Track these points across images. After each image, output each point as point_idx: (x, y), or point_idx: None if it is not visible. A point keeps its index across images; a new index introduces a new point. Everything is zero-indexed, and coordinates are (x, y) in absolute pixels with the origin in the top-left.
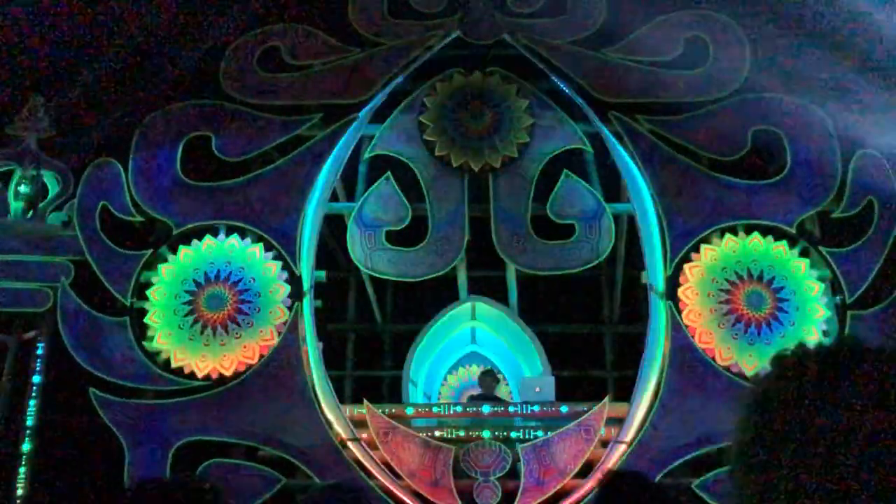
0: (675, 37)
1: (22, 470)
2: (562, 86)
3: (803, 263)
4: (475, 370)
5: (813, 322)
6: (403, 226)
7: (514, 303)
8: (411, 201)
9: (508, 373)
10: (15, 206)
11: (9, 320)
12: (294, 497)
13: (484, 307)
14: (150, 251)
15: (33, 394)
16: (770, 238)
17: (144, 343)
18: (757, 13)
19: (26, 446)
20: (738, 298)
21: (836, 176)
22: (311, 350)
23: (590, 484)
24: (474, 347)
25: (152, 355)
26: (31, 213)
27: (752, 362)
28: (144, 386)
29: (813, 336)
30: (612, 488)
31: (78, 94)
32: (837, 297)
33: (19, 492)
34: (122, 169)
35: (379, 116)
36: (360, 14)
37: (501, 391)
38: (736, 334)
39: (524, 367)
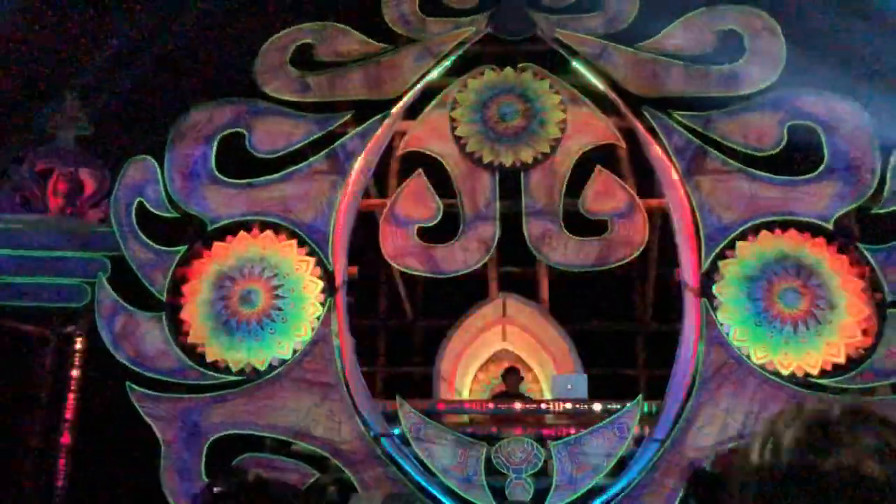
0: (709, 31)
1: (61, 463)
2: (594, 81)
3: (841, 260)
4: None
5: (852, 320)
6: (435, 222)
7: (545, 300)
8: (443, 198)
9: (540, 370)
10: (53, 203)
11: (48, 315)
12: (326, 491)
13: (515, 304)
14: (185, 247)
15: (72, 387)
16: (807, 234)
17: (180, 338)
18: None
19: (65, 439)
20: (773, 296)
21: (875, 171)
22: (344, 345)
23: (623, 482)
24: (505, 345)
25: (187, 350)
26: (69, 209)
27: (788, 361)
28: (180, 380)
29: (851, 335)
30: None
31: (115, 92)
32: (877, 295)
33: (59, 484)
34: (157, 166)
35: (411, 113)
36: (392, 11)
37: (531, 388)
38: (772, 332)
39: (555, 364)
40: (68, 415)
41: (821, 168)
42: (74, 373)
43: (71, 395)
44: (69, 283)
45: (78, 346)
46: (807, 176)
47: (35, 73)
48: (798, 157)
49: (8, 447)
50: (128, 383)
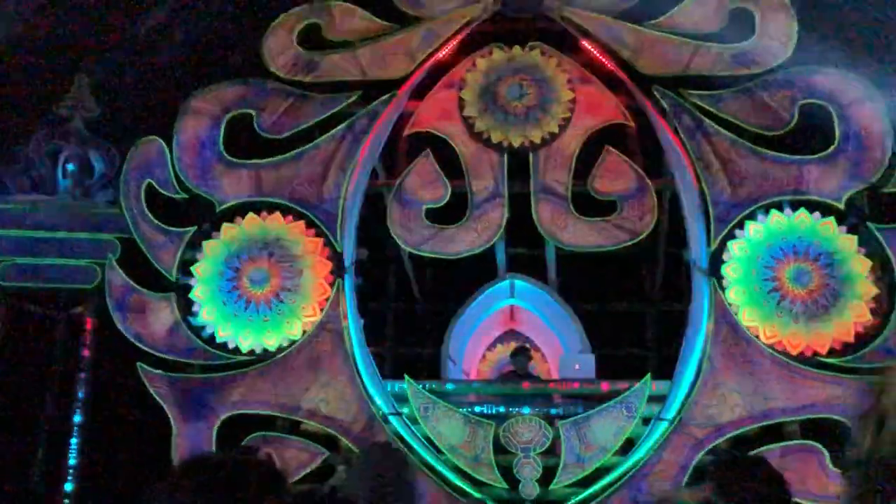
0: (720, 9)
1: (74, 441)
2: (604, 60)
3: (851, 240)
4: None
5: (861, 300)
6: (443, 203)
7: (553, 280)
8: (451, 178)
9: (548, 350)
10: (63, 184)
11: (57, 296)
12: (335, 470)
13: (523, 285)
14: (194, 228)
15: (82, 367)
16: (817, 214)
17: (189, 318)
18: None
19: (77, 418)
20: (783, 275)
21: (886, 150)
22: (353, 326)
23: (631, 461)
24: (513, 325)
25: (197, 330)
26: (78, 191)
27: (797, 340)
28: (190, 360)
29: (861, 314)
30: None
31: (123, 74)
32: (887, 275)
33: (72, 462)
34: (166, 147)
35: (419, 93)
36: None
37: (539, 368)
38: (781, 312)
39: (563, 344)
40: (80, 394)
41: (832, 147)
42: (85, 353)
43: (82, 375)
44: (79, 265)
45: (88, 326)
46: (818, 155)
47: (45, 57)
48: (809, 136)
49: (21, 426)
50: (138, 364)
